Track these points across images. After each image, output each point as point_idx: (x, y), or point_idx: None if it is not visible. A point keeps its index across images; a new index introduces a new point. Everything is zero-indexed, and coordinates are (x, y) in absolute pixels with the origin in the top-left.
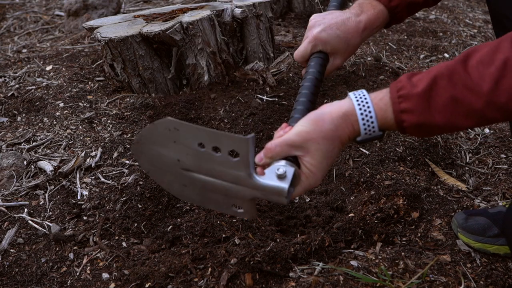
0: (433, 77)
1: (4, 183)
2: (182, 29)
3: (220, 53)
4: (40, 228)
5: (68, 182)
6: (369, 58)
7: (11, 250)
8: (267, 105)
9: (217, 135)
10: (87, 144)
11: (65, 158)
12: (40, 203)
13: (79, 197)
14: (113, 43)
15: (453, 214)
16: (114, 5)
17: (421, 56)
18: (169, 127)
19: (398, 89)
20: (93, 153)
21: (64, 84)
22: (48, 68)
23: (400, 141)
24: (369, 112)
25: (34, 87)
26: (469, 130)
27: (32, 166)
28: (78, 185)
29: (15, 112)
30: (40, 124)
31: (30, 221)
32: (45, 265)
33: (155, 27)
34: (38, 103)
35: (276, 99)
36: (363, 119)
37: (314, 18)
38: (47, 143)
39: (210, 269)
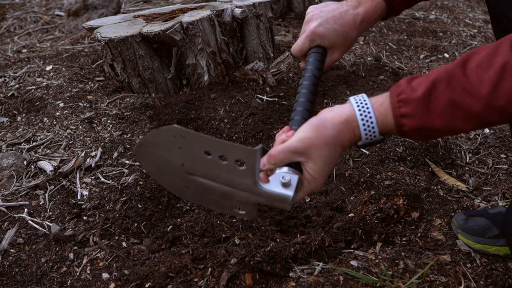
0: (432, 81)
1: (4, 183)
2: (182, 29)
3: (220, 53)
4: (40, 228)
5: (68, 182)
6: (369, 58)
7: (11, 250)
8: (267, 105)
9: (224, 146)
10: (87, 144)
11: (65, 158)
12: (40, 203)
13: (79, 197)
14: (113, 43)
15: (453, 214)
16: (114, 5)
17: (421, 56)
18: (174, 134)
19: (398, 94)
20: (93, 153)
21: (64, 84)
22: (48, 68)
23: (400, 141)
24: (370, 117)
25: (34, 87)
26: None
27: (32, 166)
28: (78, 185)
29: (15, 112)
30: (40, 124)
31: (30, 221)
32: (45, 265)
33: (155, 27)
34: (38, 103)
35: (276, 99)
36: (363, 124)
37: (311, 11)
38: (47, 143)
39: (210, 269)
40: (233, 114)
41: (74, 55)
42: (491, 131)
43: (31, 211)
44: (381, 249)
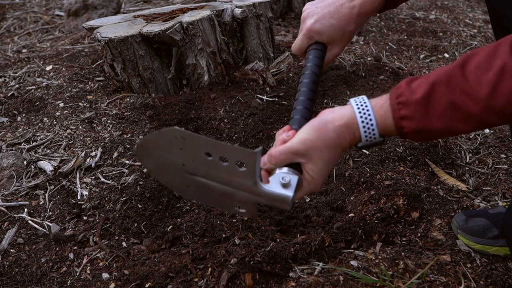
0: (432, 83)
1: (4, 183)
2: (182, 29)
3: (220, 53)
4: (40, 228)
5: (68, 182)
6: (369, 58)
7: (11, 250)
8: (267, 105)
9: (225, 148)
10: (87, 144)
11: (65, 158)
12: (40, 203)
13: (79, 197)
14: (113, 43)
15: (453, 214)
16: (114, 5)
17: (421, 56)
18: (175, 136)
19: (397, 96)
20: (93, 153)
21: (64, 84)
22: (48, 68)
23: (400, 141)
24: (370, 120)
25: (34, 87)
26: None
27: (32, 166)
28: (78, 185)
29: (15, 112)
30: (40, 124)
31: (30, 221)
32: (45, 265)
33: (155, 27)
34: (38, 103)
35: (276, 99)
36: (364, 126)
37: (307, 9)
38: (47, 143)
39: (210, 269)
40: (233, 114)
41: (74, 55)
42: (491, 131)
43: (31, 211)
44: (381, 249)
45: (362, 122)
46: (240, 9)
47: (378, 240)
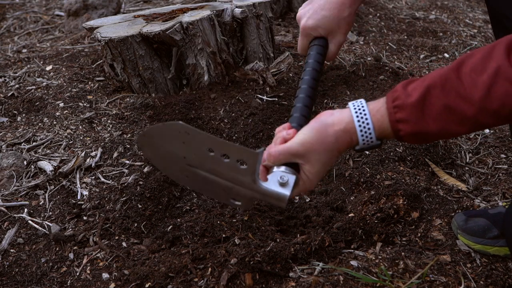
0: (427, 86)
1: (4, 183)
2: (182, 29)
3: (220, 53)
4: (40, 228)
5: (68, 182)
6: (369, 58)
7: (11, 250)
8: (267, 105)
9: (227, 146)
10: (87, 144)
11: (65, 158)
12: (40, 203)
13: (79, 197)
14: (113, 43)
15: (453, 214)
16: (114, 5)
17: (421, 56)
18: (179, 130)
19: (393, 99)
20: (93, 153)
21: (64, 84)
22: (48, 68)
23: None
24: (367, 124)
25: (34, 87)
26: None
27: (32, 166)
28: (78, 185)
29: (15, 112)
30: (40, 124)
31: (30, 221)
32: (45, 265)
33: (155, 27)
34: (38, 103)
35: (276, 99)
36: (361, 130)
37: (301, 9)
38: (47, 143)
39: (210, 269)
40: (233, 114)
41: (74, 55)
42: (491, 131)
43: (31, 211)
44: (381, 249)
45: (360, 126)
46: (240, 9)
47: (378, 240)
